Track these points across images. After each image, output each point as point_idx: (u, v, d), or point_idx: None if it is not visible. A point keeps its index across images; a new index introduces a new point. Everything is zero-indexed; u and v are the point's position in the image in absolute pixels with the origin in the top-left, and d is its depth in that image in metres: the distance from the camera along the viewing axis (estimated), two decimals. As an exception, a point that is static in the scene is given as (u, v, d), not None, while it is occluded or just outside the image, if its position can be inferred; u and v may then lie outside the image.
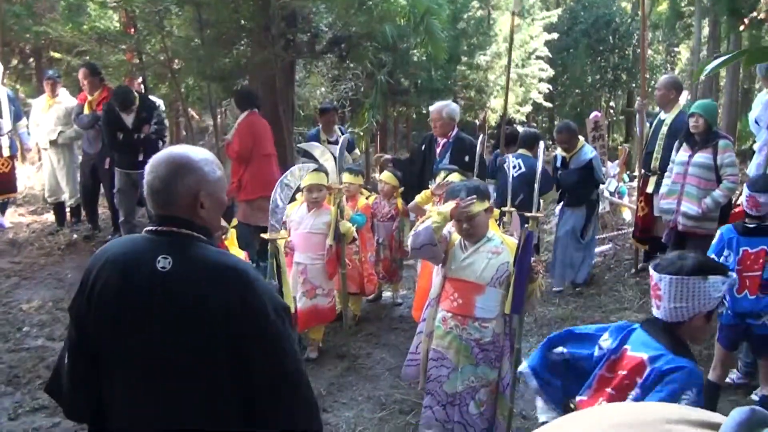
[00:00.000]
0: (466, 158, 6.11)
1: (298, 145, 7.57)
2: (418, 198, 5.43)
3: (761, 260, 4.29)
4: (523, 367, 2.83)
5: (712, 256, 4.35)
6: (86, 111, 7.92)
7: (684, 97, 8.24)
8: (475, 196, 3.62)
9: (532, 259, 3.57)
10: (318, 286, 5.42)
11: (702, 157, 5.94)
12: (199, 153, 2.09)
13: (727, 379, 5.10)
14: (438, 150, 6.41)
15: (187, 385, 1.93)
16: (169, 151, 2.08)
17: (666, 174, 6.43)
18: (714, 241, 4.61)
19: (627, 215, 10.36)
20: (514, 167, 7.08)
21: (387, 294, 7.05)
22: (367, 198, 6.59)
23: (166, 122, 8.68)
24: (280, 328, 1.98)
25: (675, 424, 0.92)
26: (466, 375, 3.71)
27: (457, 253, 3.74)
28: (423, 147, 6.59)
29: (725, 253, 4.39)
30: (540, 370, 2.73)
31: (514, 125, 19.07)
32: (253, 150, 7.13)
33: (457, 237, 3.80)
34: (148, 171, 2.04)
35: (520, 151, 7.25)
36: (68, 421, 4.35)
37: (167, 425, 1.95)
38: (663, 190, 6.36)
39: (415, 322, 4.21)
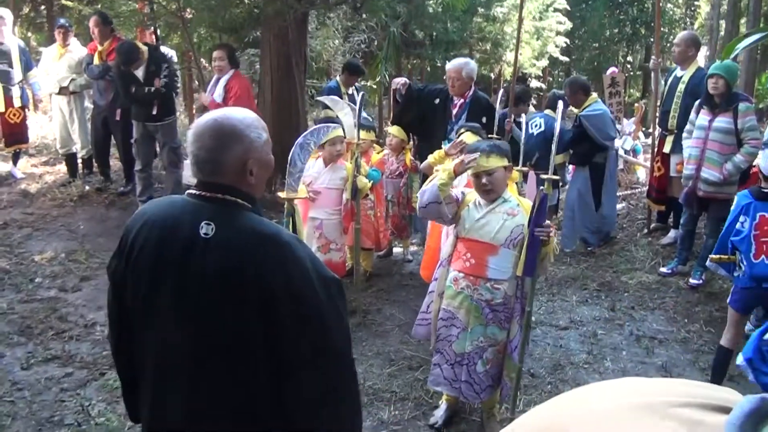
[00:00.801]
0: (484, 119, 5.97)
1: (318, 97, 7.46)
2: (431, 158, 5.35)
3: None
4: (739, 359, 2.87)
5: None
6: (96, 61, 7.85)
7: (702, 54, 8.07)
8: (478, 154, 3.60)
9: (547, 222, 3.53)
10: (332, 240, 5.50)
11: (722, 121, 5.84)
12: (243, 117, 2.00)
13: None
14: (455, 111, 6.17)
15: (217, 351, 1.89)
16: (213, 118, 1.98)
17: (684, 134, 6.32)
18: (732, 207, 4.48)
19: (641, 174, 10.26)
20: (536, 126, 7.04)
21: (397, 250, 7.05)
22: (378, 153, 6.55)
23: (179, 74, 8.59)
24: (324, 301, 1.90)
25: (680, 407, 0.89)
26: (475, 335, 3.72)
27: (471, 213, 3.71)
28: (437, 101, 6.28)
29: (741, 219, 4.28)
30: (755, 361, 2.75)
31: (529, 80, 18.88)
32: None
33: (471, 198, 3.78)
34: (191, 140, 1.96)
35: (546, 111, 7.21)
36: (81, 371, 4.46)
37: (194, 392, 1.92)
38: (684, 153, 6.26)
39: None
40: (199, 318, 1.88)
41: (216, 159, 1.93)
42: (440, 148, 5.97)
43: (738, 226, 4.25)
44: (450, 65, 6.17)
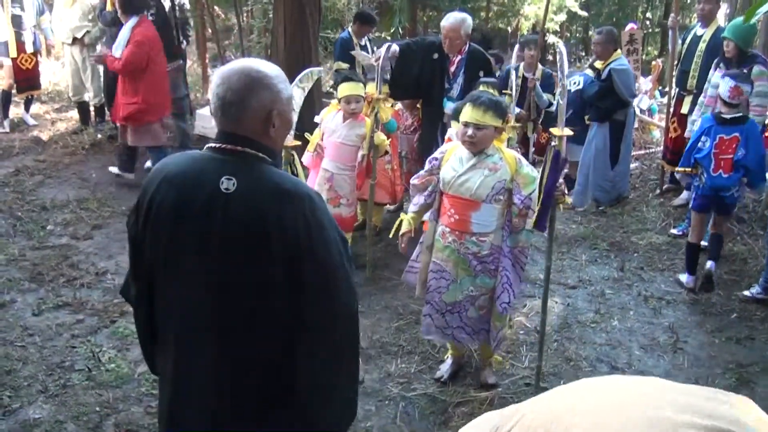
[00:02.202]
0: (481, 73, 5.81)
1: (353, 52, 7.29)
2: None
3: (734, 145, 5.08)
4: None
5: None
6: (109, 7, 7.77)
7: (723, 12, 7.91)
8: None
9: (560, 181, 3.50)
10: (342, 195, 5.48)
11: None
12: (271, 68, 1.98)
13: (747, 293, 5.25)
14: (452, 69, 5.88)
15: (241, 306, 1.90)
16: (241, 64, 1.96)
17: (702, 96, 6.27)
18: (695, 128, 5.59)
19: (656, 134, 10.12)
20: (575, 83, 6.98)
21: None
22: (392, 106, 6.47)
23: (192, 21, 8.48)
24: (336, 258, 1.91)
25: (685, 428, 0.88)
26: (465, 286, 3.77)
27: (453, 167, 3.71)
28: (436, 56, 5.90)
29: (703, 138, 5.23)
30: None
31: (546, 35, 18.59)
32: (149, 66, 6.47)
33: (453, 151, 3.77)
34: (218, 83, 1.92)
35: (587, 71, 7.16)
36: (92, 318, 4.52)
37: (220, 347, 1.93)
38: (695, 114, 6.23)
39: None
40: (223, 273, 1.87)
41: (242, 102, 1.90)
42: (440, 107, 5.86)
43: (700, 144, 5.24)
44: (447, 23, 5.77)
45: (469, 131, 3.59)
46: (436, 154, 3.91)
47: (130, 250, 2.08)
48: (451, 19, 5.77)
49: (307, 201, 1.89)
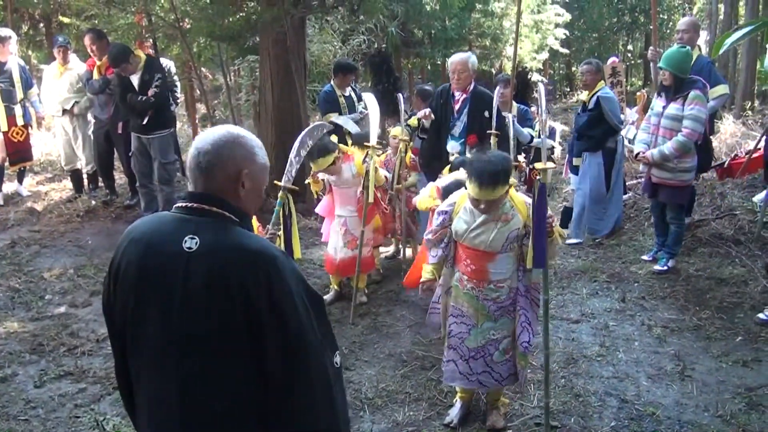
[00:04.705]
0: (486, 113, 5.89)
1: (332, 119, 7.36)
2: (420, 200, 5.19)
3: None
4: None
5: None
6: (96, 76, 7.89)
7: (703, 39, 8.03)
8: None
9: (549, 212, 3.51)
10: (359, 237, 5.59)
11: (673, 108, 5.94)
12: (253, 136, 2.03)
13: (762, 315, 5.21)
14: (456, 107, 6.06)
15: (204, 368, 1.87)
16: (226, 126, 2.03)
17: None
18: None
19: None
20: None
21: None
22: (379, 155, 6.56)
23: (178, 84, 8.56)
24: (304, 319, 1.87)
25: None
26: (486, 330, 3.76)
27: (465, 220, 3.70)
28: (442, 101, 6.15)
29: None
30: None
31: (530, 73, 18.85)
32: None
33: (461, 204, 3.77)
34: (199, 137, 1.98)
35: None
36: (95, 386, 4.46)
37: (187, 409, 1.89)
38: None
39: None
40: (184, 334, 1.86)
41: (216, 153, 1.93)
42: (443, 146, 5.96)
43: None
44: (455, 58, 6.05)
45: (482, 206, 3.56)
46: (445, 206, 3.87)
47: (105, 316, 2.07)
48: (458, 55, 6.11)
49: (271, 262, 1.86)
